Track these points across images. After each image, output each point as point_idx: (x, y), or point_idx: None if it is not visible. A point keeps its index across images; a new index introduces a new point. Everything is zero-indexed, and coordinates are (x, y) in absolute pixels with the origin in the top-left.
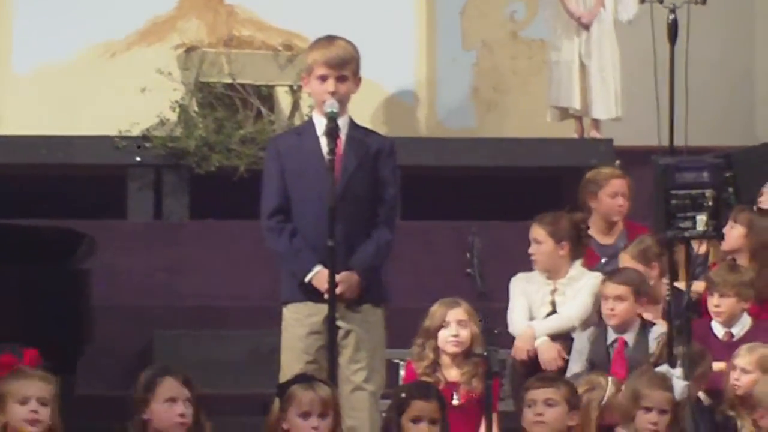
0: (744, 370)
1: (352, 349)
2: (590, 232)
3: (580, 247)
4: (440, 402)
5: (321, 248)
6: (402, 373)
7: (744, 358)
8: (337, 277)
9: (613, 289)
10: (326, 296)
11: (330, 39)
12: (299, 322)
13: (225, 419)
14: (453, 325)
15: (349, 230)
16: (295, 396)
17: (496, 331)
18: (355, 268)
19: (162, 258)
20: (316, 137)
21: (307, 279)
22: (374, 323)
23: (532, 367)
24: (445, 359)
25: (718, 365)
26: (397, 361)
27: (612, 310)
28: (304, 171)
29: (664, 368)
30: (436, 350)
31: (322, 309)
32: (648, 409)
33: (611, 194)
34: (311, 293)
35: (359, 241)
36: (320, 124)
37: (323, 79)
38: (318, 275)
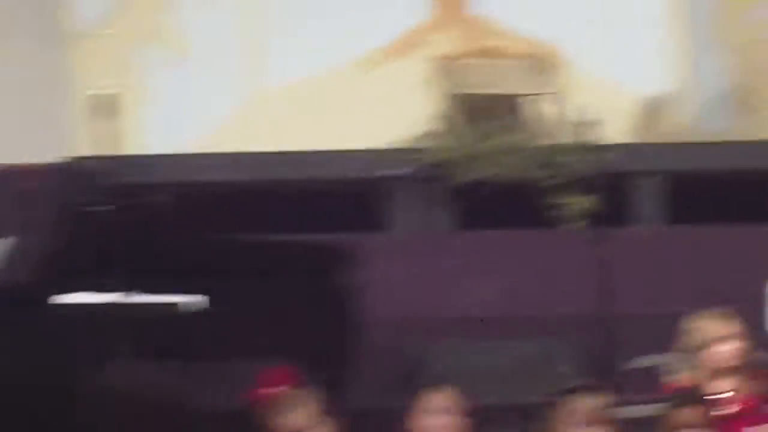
0: None
1: None
2: None
3: None
4: (706, 409)
5: None
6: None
7: None
8: None
9: None
10: None
11: None
12: None
13: (492, 430)
14: (729, 340)
15: None
16: (574, 405)
17: None
18: None
19: (429, 269)
20: None
21: None
22: None
23: None
24: (718, 371)
25: None
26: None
27: None
28: None
29: None
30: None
31: None
32: None
33: None
34: None
35: None
36: None
37: None
38: None
